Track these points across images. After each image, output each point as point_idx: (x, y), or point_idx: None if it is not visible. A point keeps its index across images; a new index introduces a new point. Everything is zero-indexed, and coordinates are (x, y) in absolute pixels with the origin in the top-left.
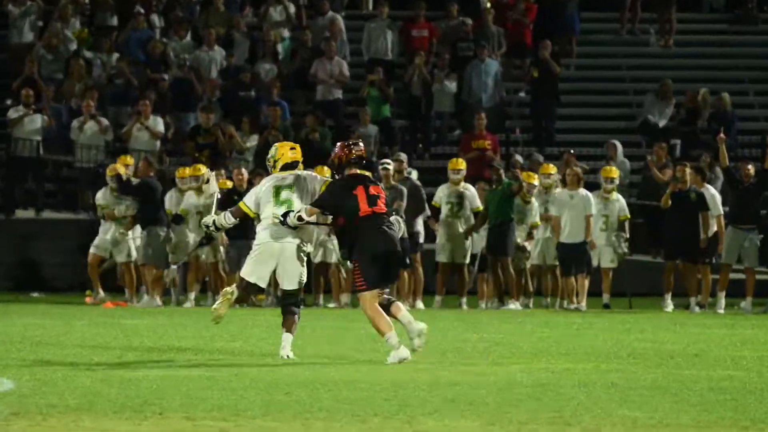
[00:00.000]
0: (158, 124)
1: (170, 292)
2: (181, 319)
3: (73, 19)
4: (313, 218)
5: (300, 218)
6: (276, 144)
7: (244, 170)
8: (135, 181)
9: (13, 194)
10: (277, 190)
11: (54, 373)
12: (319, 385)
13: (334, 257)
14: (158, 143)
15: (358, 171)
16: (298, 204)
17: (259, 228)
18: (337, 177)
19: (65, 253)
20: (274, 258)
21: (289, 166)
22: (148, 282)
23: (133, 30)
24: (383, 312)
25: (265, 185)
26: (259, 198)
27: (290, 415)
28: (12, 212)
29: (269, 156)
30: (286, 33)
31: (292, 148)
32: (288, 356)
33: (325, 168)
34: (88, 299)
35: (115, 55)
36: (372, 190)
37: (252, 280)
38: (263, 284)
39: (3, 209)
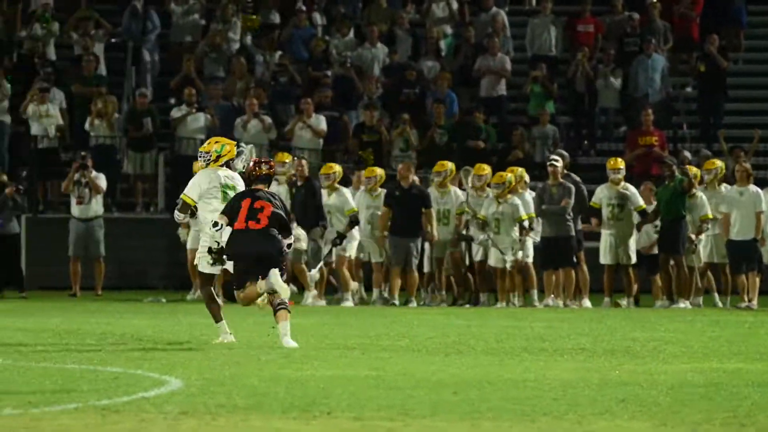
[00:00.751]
0: (321, 122)
1: (332, 291)
2: (347, 318)
3: (234, 18)
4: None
5: (215, 224)
6: (218, 139)
7: (412, 167)
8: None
9: (178, 193)
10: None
11: (222, 372)
12: (487, 384)
13: (493, 260)
14: (321, 141)
15: (261, 186)
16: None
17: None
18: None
19: None
20: None
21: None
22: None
23: (295, 28)
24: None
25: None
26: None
27: (458, 414)
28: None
29: (208, 150)
30: (448, 29)
31: (237, 146)
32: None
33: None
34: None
35: (278, 53)
36: (257, 204)
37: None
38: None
39: (168, 208)
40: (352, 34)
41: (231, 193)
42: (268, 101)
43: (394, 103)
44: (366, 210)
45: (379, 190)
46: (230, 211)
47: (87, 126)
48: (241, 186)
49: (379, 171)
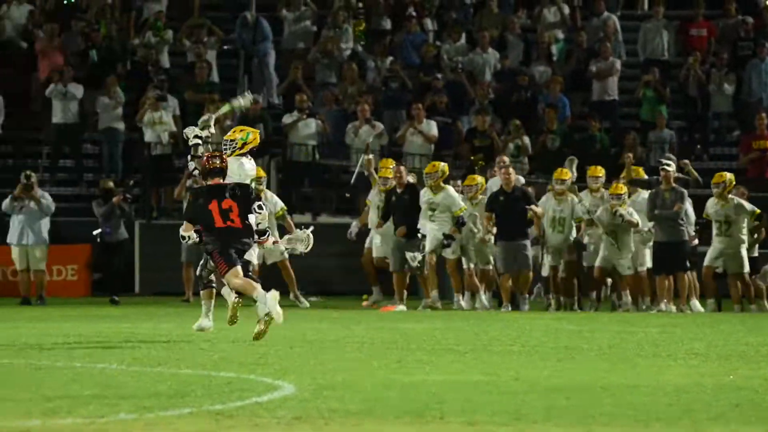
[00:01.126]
0: (432, 127)
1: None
2: (460, 323)
3: (345, 25)
4: (190, 233)
5: (183, 238)
6: (249, 129)
7: (512, 170)
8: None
9: (290, 199)
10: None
11: (334, 377)
12: (600, 389)
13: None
14: (432, 147)
15: (220, 180)
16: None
17: None
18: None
19: (340, 257)
20: None
21: (251, 151)
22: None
23: (406, 33)
24: (248, 279)
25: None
26: None
27: (571, 420)
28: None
29: (233, 138)
30: (560, 34)
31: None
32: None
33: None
34: (364, 303)
35: (389, 59)
36: (224, 205)
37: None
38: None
39: None
40: (463, 39)
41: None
42: (380, 107)
43: (506, 109)
44: (468, 218)
45: (480, 197)
46: (201, 218)
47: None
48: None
49: (480, 179)
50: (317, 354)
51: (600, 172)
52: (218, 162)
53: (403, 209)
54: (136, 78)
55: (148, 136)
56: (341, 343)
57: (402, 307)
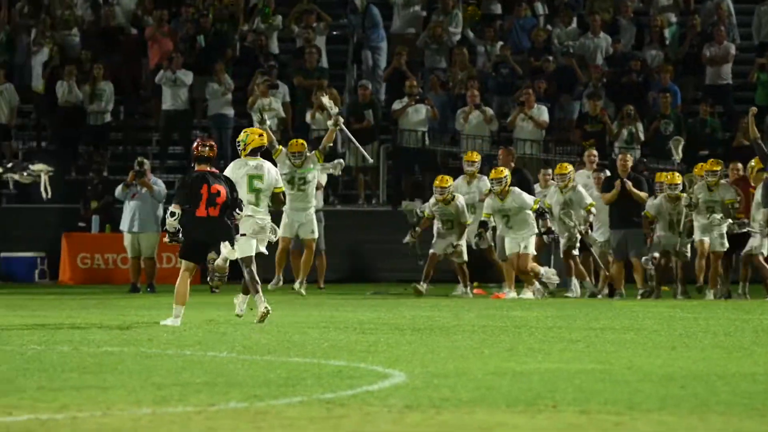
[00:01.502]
0: (542, 113)
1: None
2: (572, 310)
3: (455, 10)
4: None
5: (172, 213)
6: (246, 129)
7: (629, 156)
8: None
9: (399, 185)
10: (251, 179)
11: (445, 365)
12: (716, 377)
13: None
14: (543, 133)
15: (207, 168)
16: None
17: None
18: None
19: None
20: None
21: (257, 149)
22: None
23: (516, 18)
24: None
25: (240, 172)
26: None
27: (686, 409)
28: (398, 203)
29: (239, 140)
30: (673, 18)
31: (260, 135)
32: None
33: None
34: (477, 291)
35: (499, 44)
36: (213, 189)
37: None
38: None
39: (390, 200)
40: (574, 23)
41: (256, 182)
42: (489, 92)
43: (618, 93)
44: (562, 213)
45: (571, 185)
46: (191, 197)
47: (308, 119)
48: (267, 175)
49: (570, 167)
50: (427, 342)
51: (718, 165)
52: (207, 150)
53: None
54: (245, 64)
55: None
56: (452, 330)
57: (513, 294)
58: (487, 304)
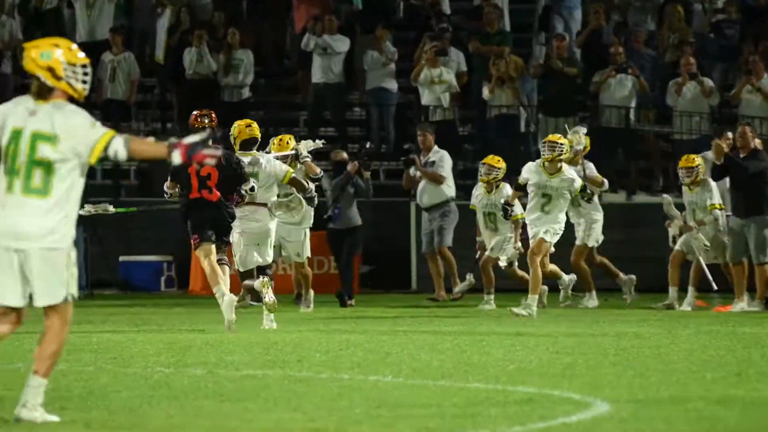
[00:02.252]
0: None
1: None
2: None
3: None
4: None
5: (165, 192)
6: (236, 122)
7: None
8: None
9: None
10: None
11: (658, 392)
12: None
13: None
14: None
15: None
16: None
17: None
18: None
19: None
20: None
21: (247, 143)
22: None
23: None
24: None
25: None
26: None
27: None
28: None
29: (230, 134)
30: None
31: (248, 126)
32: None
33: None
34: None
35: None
36: (203, 172)
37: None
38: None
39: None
40: None
41: (252, 180)
42: (709, 59)
43: None
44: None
45: (701, 179)
46: (181, 180)
47: (485, 94)
48: (263, 172)
49: (699, 159)
50: (635, 364)
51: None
52: (206, 121)
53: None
54: (411, 28)
55: (426, 98)
56: (664, 350)
57: (742, 305)
58: (708, 319)
